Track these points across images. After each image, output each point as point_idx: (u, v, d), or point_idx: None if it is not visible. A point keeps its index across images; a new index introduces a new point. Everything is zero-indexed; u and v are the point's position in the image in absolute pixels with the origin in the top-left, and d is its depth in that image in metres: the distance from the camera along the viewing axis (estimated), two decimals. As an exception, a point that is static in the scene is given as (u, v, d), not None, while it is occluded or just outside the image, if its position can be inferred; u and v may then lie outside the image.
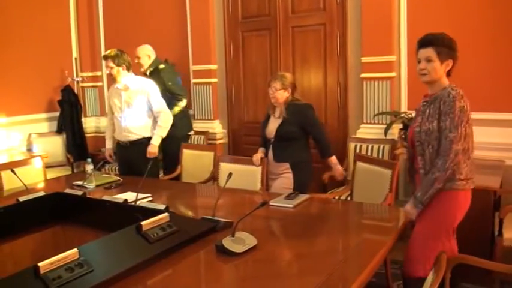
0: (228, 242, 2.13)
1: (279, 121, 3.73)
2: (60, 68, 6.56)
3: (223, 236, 2.22)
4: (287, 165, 3.69)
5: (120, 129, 4.22)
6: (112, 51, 4.15)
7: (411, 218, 2.53)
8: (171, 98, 4.85)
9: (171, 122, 4.27)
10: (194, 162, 4.57)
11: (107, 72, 4.21)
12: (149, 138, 4.19)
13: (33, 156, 4.67)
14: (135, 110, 4.14)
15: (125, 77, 4.13)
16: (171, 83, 5.02)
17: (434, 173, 2.41)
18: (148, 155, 4.09)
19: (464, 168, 2.44)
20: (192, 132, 5.45)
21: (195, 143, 5.54)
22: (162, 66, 5.12)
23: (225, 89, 5.80)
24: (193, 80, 5.92)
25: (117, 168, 4.83)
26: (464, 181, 2.45)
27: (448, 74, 2.52)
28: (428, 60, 2.47)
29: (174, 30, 6.10)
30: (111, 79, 4.24)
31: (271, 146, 3.79)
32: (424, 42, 2.50)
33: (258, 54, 5.51)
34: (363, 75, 4.69)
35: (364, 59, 4.66)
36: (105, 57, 4.15)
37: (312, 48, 5.11)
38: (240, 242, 2.15)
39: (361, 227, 2.75)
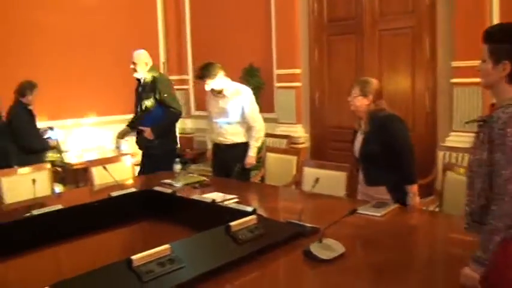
0: (315, 248, 2.10)
1: (362, 137, 3.21)
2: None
3: (308, 241, 2.19)
4: (384, 189, 3.12)
5: (217, 133, 4.32)
6: (202, 69, 4.12)
7: (473, 285, 1.83)
8: (165, 111, 4.64)
9: (264, 131, 4.32)
10: (277, 165, 4.57)
11: (209, 90, 4.17)
12: (243, 143, 4.24)
13: (123, 154, 4.89)
14: (230, 115, 4.20)
15: (222, 84, 4.16)
16: (167, 95, 4.70)
17: (490, 223, 1.79)
18: (247, 166, 4.21)
19: None
20: (177, 146, 5.12)
21: (277, 146, 5.54)
22: (157, 75, 4.82)
23: (309, 93, 5.77)
24: (276, 84, 5.96)
25: (210, 168, 4.80)
26: None
27: None
28: (483, 60, 1.87)
29: (259, 34, 6.17)
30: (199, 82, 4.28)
31: (360, 166, 3.30)
32: (483, 36, 1.88)
33: (344, 58, 5.43)
34: (454, 80, 4.49)
35: (455, 63, 4.46)
36: (201, 78, 4.12)
37: (400, 52, 4.98)
38: (328, 248, 2.12)
39: (450, 241, 2.61)
